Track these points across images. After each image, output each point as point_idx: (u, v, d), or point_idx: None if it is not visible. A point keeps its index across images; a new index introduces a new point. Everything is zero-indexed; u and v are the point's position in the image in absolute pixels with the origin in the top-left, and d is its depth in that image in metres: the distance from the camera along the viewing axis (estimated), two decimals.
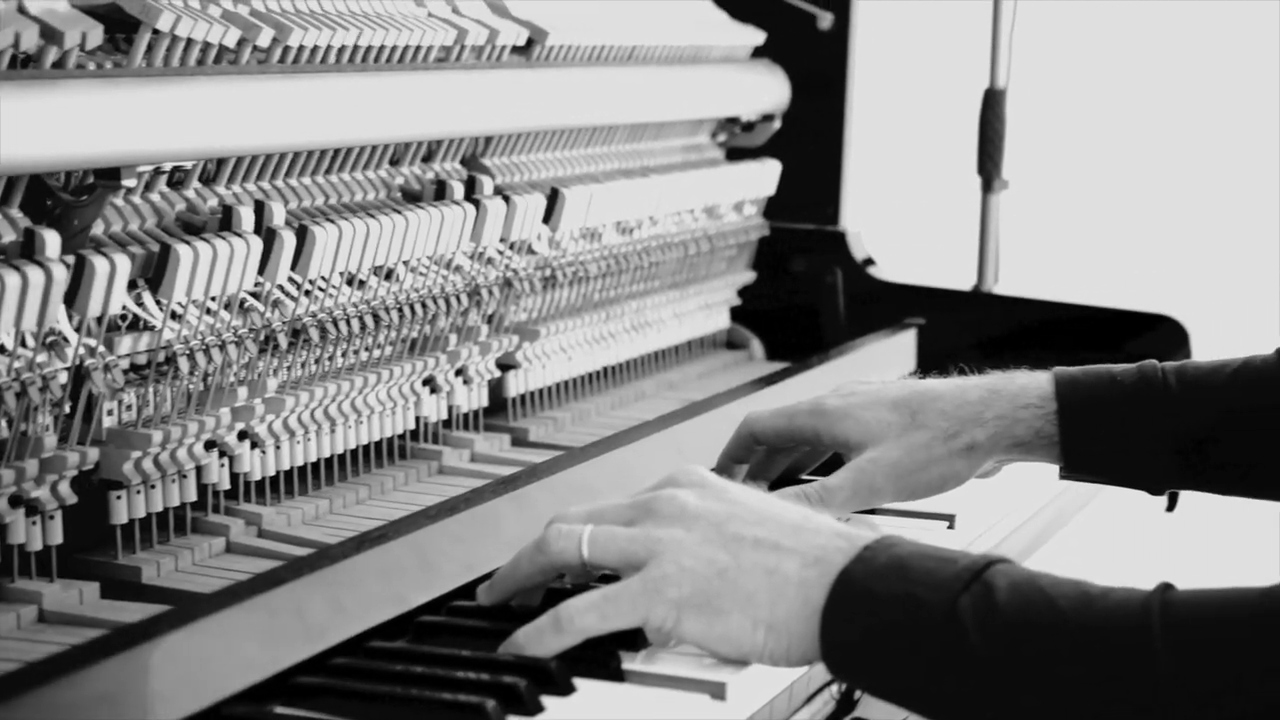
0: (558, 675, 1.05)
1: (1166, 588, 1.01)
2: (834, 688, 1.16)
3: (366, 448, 1.48)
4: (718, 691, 1.08)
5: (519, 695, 1.02)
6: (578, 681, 1.06)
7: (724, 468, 1.41)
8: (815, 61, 2.07)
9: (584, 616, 1.08)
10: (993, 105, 2.24)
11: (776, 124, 2.03)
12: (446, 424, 1.58)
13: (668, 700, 1.06)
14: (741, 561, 1.08)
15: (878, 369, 1.90)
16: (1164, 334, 2.04)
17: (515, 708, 1.02)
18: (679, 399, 1.83)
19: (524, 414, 1.69)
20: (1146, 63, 3.00)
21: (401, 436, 1.52)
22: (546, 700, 1.03)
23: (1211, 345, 2.06)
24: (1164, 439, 1.34)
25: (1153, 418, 1.34)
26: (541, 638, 1.08)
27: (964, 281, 2.17)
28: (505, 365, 1.64)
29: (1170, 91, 3.01)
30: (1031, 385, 1.36)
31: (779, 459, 1.43)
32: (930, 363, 1.98)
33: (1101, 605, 1.01)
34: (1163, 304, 2.07)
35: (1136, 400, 1.34)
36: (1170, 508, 1.98)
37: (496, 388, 1.64)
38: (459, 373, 1.56)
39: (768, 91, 2.02)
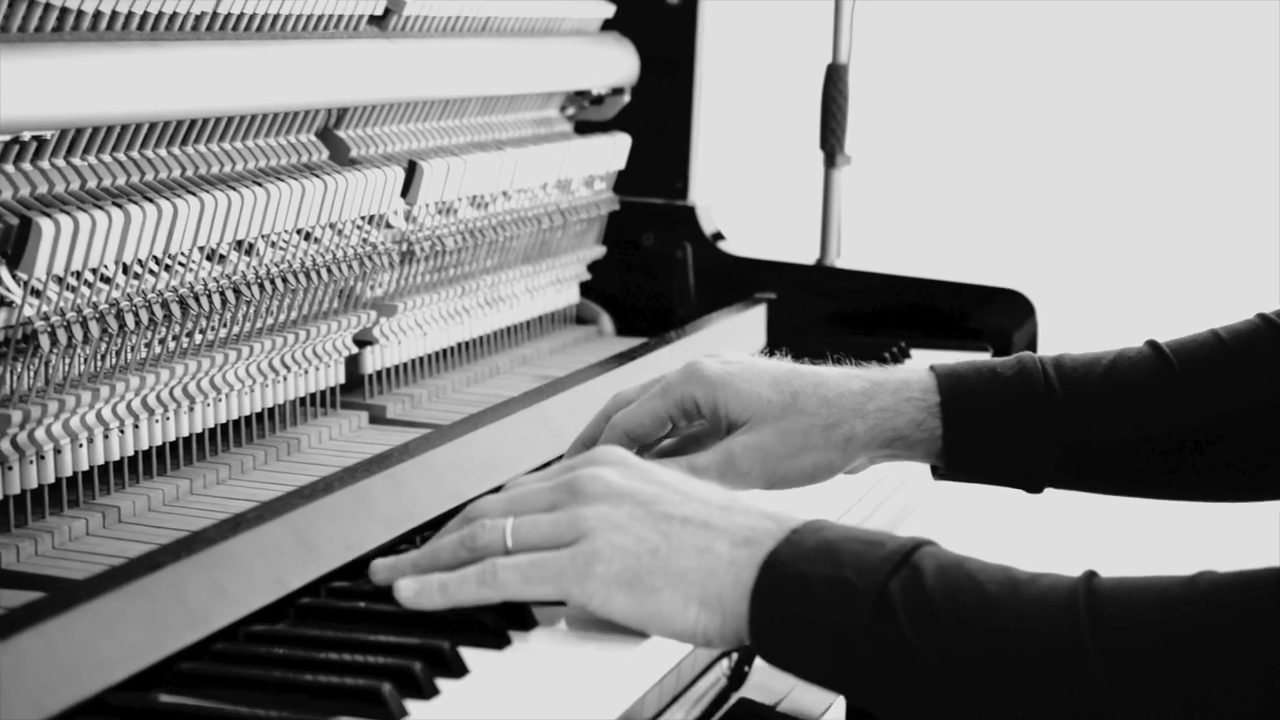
0: (450, 658, 1.03)
1: (1091, 575, 1.01)
2: (725, 663, 1.15)
3: (225, 426, 1.44)
4: (611, 670, 1.06)
5: (414, 678, 0.99)
6: (469, 661, 1.04)
7: (575, 451, 1.35)
8: (664, 36, 2.05)
9: (508, 574, 1.06)
10: (835, 80, 2.24)
11: (626, 98, 2.02)
12: (303, 402, 1.55)
13: (560, 680, 1.04)
14: (672, 540, 1.06)
15: (732, 344, 1.89)
16: (1010, 307, 2.05)
17: (411, 691, 0.99)
18: (533, 375, 1.81)
19: (381, 391, 1.66)
20: (986, 37, 3.03)
21: (260, 415, 1.48)
22: (441, 683, 1.01)
23: (1058, 317, 2.09)
24: (1046, 437, 1.32)
25: (1035, 415, 1.32)
26: (464, 586, 1.06)
27: (809, 256, 2.17)
28: (362, 341, 1.61)
29: (1008, 65, 3.03)
30: (914, 379, 1.33)
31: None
32: (780, 337, 1.99)
33: (1029, 592, 1.01)
34: (1007, 277, 2.09)
35: (1019, 397, 1.32)
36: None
37: (353, 364, 1.61)
38: (317, 350, 1.53)
39: (618, 65, 2.00)
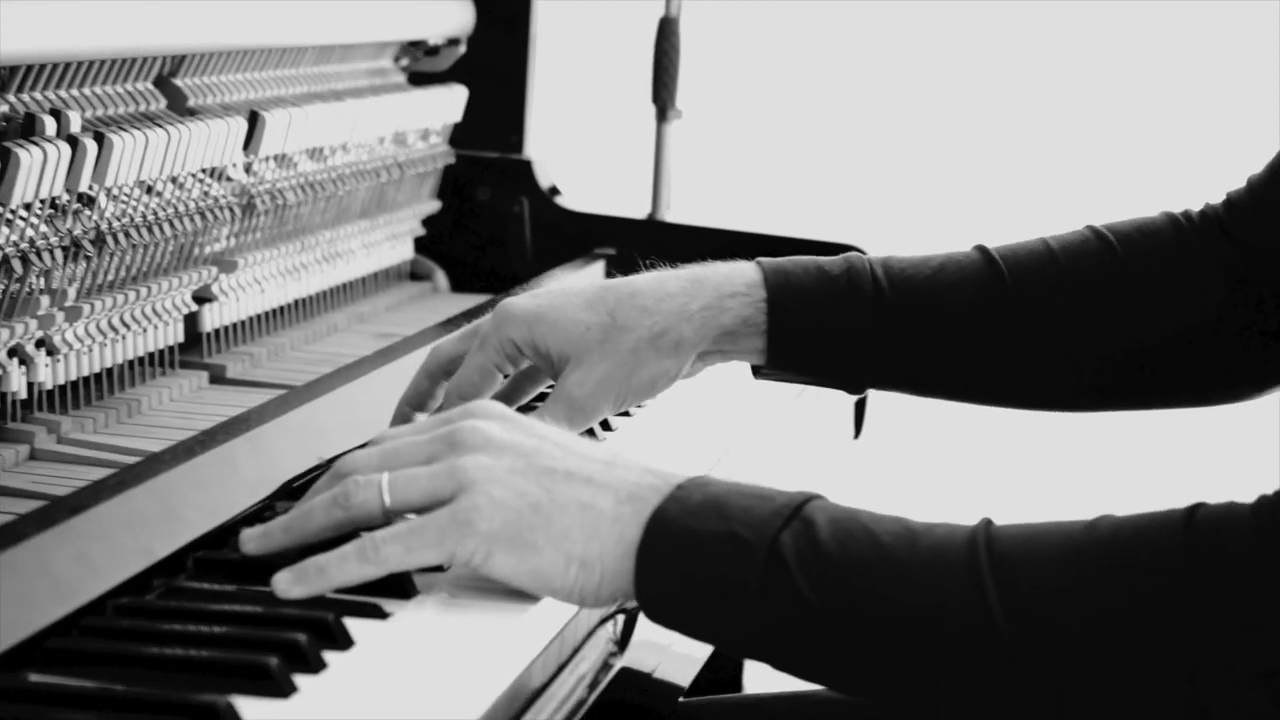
0: (336, 629, 0.99)
1: (989, 523, 1.00)
2: (610, 627, 1.12)
3: (62, 388, 1.38)
4: (497, 638, 1.03)
5: (301, 651, 0.95)
6: (354, 631, 1.00)
7: (402, 415, 1.30)
8: None
9: (389, 547, 1.02)
10: (667, 34, 2.21)
11: (462, 49, 1.97)
12: (141, 362, 1.48)
13: (448, 650, 1.01)
14: (555, 495, 1.03)
15: None
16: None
17: (299, 665, 0.95)
18: (371, 332, 1.77)
19: (219, 350, 1.60)
20: None
21: (98, 376, 1.42)
22: (328, 656, 0.97)
23: None
24: (871, 337, 1.29)
25: (861, 315, 1.29)
26: (344, 565, 1.02)
27: (641, 210, 2.14)
28: (201, 298, 1.55)
29: (839, 15, 3.02)
30: (736, 274, 1.30)
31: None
32: None
33: (926, 541, 0.99)
34: (842, 232, 2.08)
35: (845, 296, 1.29)
36: (857, 433, 2.00)
37: (190, 322, 1.55)
38: (156, 308, 1.47)
39: (454, 15, 1.95)
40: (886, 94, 3.03)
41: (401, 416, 1.30)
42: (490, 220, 2.03)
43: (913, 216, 3.00)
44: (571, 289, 1.29)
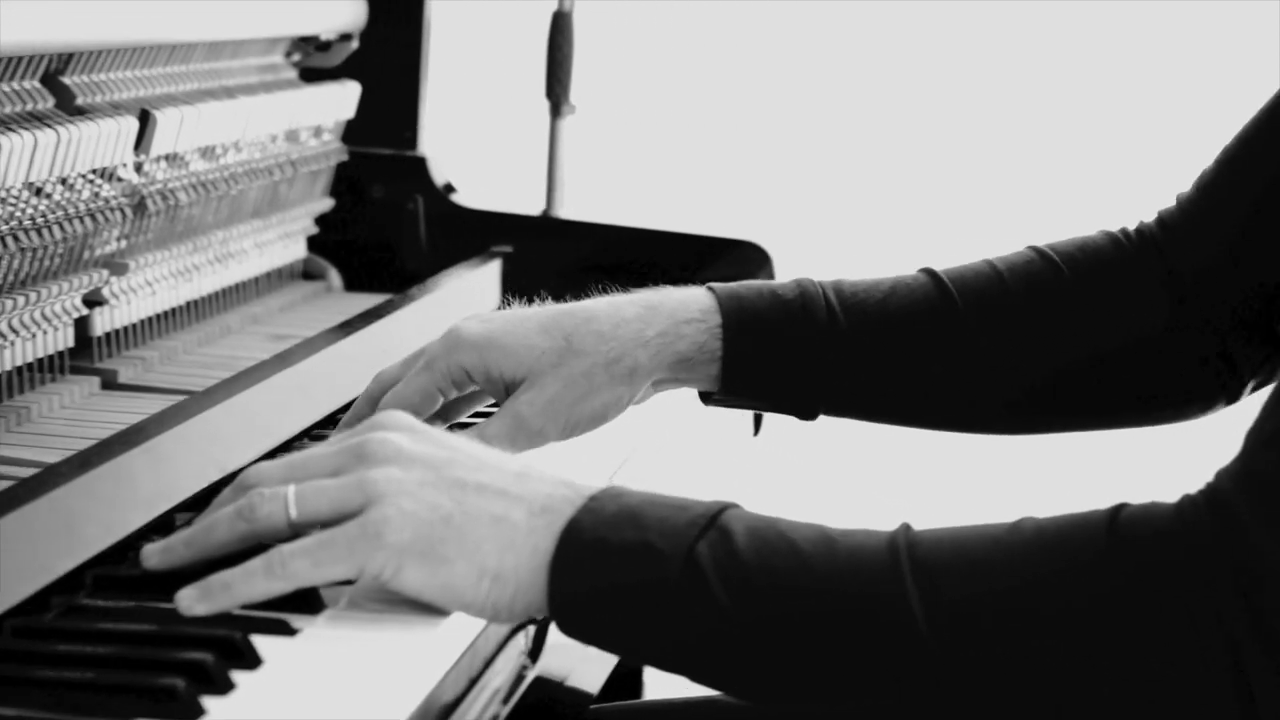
0: (244, 648, 0.96)
1: (908, 527, 0.98)
2: (522, 639, 1.10)
3: None
4: (408, 654, 1.00)
5: (207, 672, 0.92)
6: (262, 650, 0.97)
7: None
8: None
9: (297, 561, 0.99)
10: (560, 28, 2.19)
11: (354, 44, 1.94)
12: (30, 368, 1.44)
13: (359, 667, 0.98)
14: (467, 507, 1.00)
15: (472, 299, 1.83)
16: (746, 258, 2.03)
17: (205, 686, 0.92)
18: (266, 334, 1.73)
19: (109, 354, 1.56)
20: None
21: None
22: (236, 676, 0.94)
23: (792, 267, 2.07)
24: (825, 363, 1.29)
25: (815, 341, 1.29)
26: (251, 581, 0.99)
27: (536, 207, 2.12)
28: (91, 302, 1.51)
29: (733, 13, 3.01)
30: (690, 300, 1.30)
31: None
32: (516, 291, 1.93)
33: (845, 545, 0.97)
34: (735, 228, 2.07)
35: (800, 322, 1.29)
36: (756, 431, 1.99)
37: (80, 327, 1.51)
38: (45, 312, 1.43)
39: (345, 10, 1.92)
40: (781, 87, 3.02)
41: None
42: (384, 218, 2.00)
43: (807, 212, 2.99)
44: (524, 314, 1.27)
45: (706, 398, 1.34)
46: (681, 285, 1.97)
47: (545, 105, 2.17)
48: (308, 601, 1.03)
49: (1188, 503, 0.95)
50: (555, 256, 2.02)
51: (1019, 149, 2.99)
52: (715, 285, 1.30)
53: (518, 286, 1.94)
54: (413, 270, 1.97)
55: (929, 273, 1.33)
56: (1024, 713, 0.95)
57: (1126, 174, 2.92)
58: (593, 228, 2.03)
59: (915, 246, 2.96)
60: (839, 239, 2.96)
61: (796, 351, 1.28)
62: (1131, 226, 1.35)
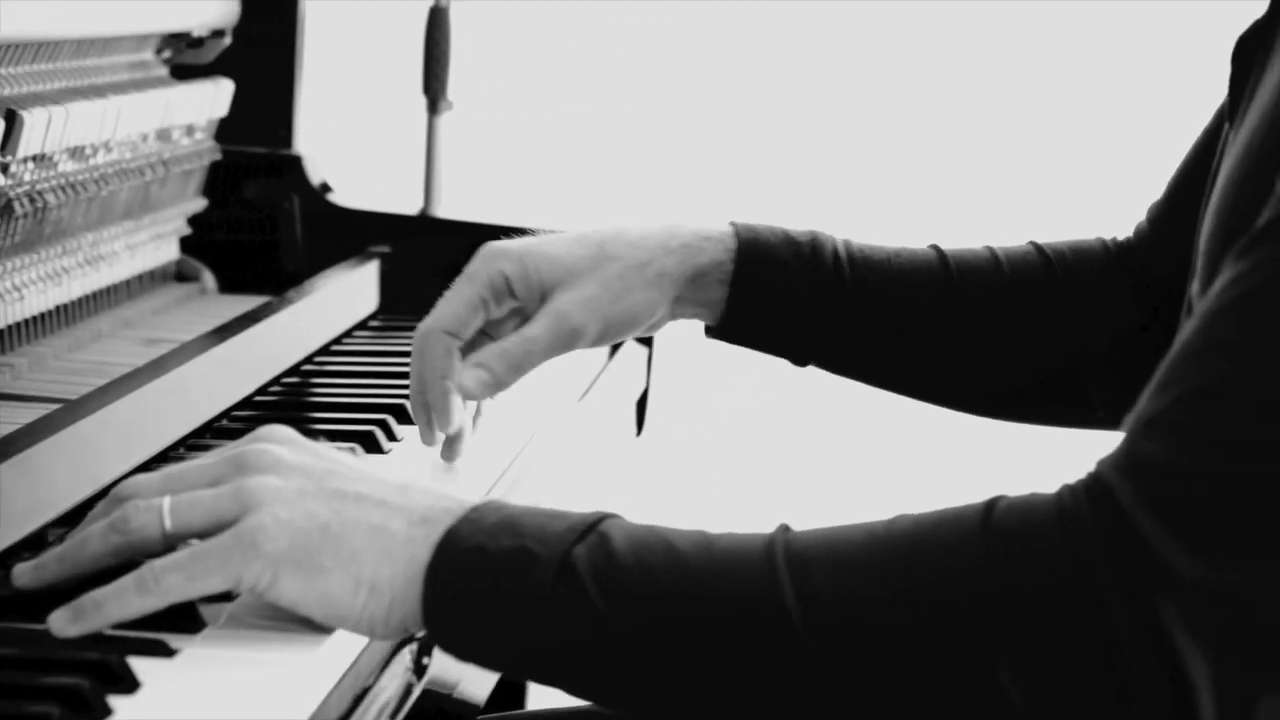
0: (120, 671, 0.92)
1: (785, 527, 0.97)
2: (407, 656, 1.07)
3: None
4: (290, 674, 0.97)
5: (84, 698, 0.89)
6: (139, 672, 0.94)
7: (438, 387, 1.29)
8: None
9: (171, 575, 0.96)
10: (437, 23, 2.17)
11: (227, 40, 1.90)
12: None
13: (240, 689, 0.95)
14: (345, 517, 0.98)
15: (349, 299, 1.80)
16: None
17: (81, 713, 0.88)
18: (139, 338, 1.69)
19: None
20: None
21: None
22: (114, 701, 0.91)
23: None
24: (823, 305, 1.34)
25: (819, 289, 1.34)
26: (123, 599, 0.96)
27: (414, 206, 2.10)
28: None
29: (614, 10, 2.98)
30: (712, 226, 1.36)
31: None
32: (395, 291, 1.91)
33: (723, 545, 0.96)
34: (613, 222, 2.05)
35: (808, 259, 1.35)
36: (639, 431, 1.97)
37: None
38: None
39: (217, 5, 1.88)
40: (659, 85, 3.00)
41: (434, 391, 1.29)
42: (259, 218, 1.96)
43: (689, 206, 2.97)
44: (554, 234, 1.34)
45: (709, 330, 1.38)
46: None
47: (423, 102, 2.14)
48: (187, 620, 1.00)
49: (1067, 492, 0.93)
50: (434, 256, 1.99)
51: (921, 142, 2.99)
52: (734, 220, 1.36)
53: (396, 287, 1.91)
54: (289, 271, 1.94)
55: (935, 248, 1.39)
56: (903, 713, 0.93)
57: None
58: (471, 227, 2.00)
59: None
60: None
61: (798, 291, 1.34)
62: (1123, 236, 1.42)
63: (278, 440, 1.03)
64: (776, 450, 2.84)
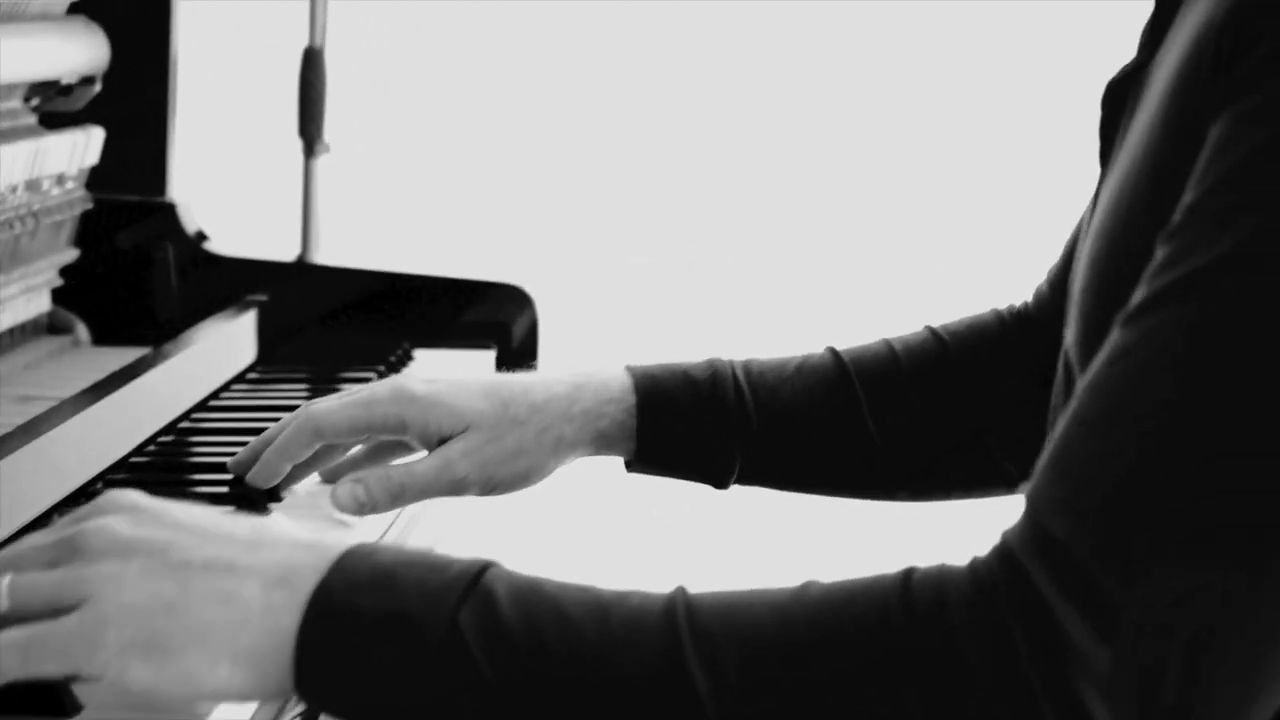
0: None
1: (684, 591, 0.94)
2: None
3: None
4: None
5: None
6: None
7: (273, 466, 1.34)
8: (135, 20, 1.90)
9: (7, 657, 0.92)
10: (312, 64, 2.14)
11: (97, 87, 1.86)
12: None
13: None
14: (192, 590, 0.94)
15: (226, 351, 1.77)
16: (508, 300, 2.00)
17: None
18: (11, 395, 1.64)
19: None
20: (470, 17, 2.94)
21: None
22: None
23: (554, 309, 2.04)
24: (733, 440, 1.37)
25: (724, 420, 1.37)
26: None
27: (292, 251, 2.07)
28: None
29: (493, 50, 2.96)
30: (613, 381, 1.38)
31: (337, 453, 1.38)
32: (273, 341, 1.87)
33: (619, 613, 0.93)
34: (496, 270, 2.04)
35: (708, 401, 1.38)
36: None
37: None
38: None
39: (86, 51, 1.84)
40: (542, 126, 2.98)
41: (271, 470, 1.34)
42: (134, 269, 1.93)
43: (571, 252, 2.95)
44: (466, 379, 1.36)
45: (629, 465, 1.41)
46: (442, 332, 1.98)
47: (299, 145, 2.12)
48: (58, 702, 0.96)
49: (982, 566, 0.92)
50: (312, 303, 1.97)
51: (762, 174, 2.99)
52: (633, 367, 1.38)
53: (275, 336, 1.88)
54: (165, 321, 1.90)
55: (832, 352, 1.41)
56: None
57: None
58: (350, 273, 1.98)
59: (682, 291, 2.95)
60: (603, 276, 2.94)
61: (706, 433, 1.37)
62: (1020, 303, 1.43)
63: (119, 509, 0.99)
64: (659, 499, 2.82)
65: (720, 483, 1.40)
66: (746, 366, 1.40)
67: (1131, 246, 0.97)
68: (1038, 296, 1.42)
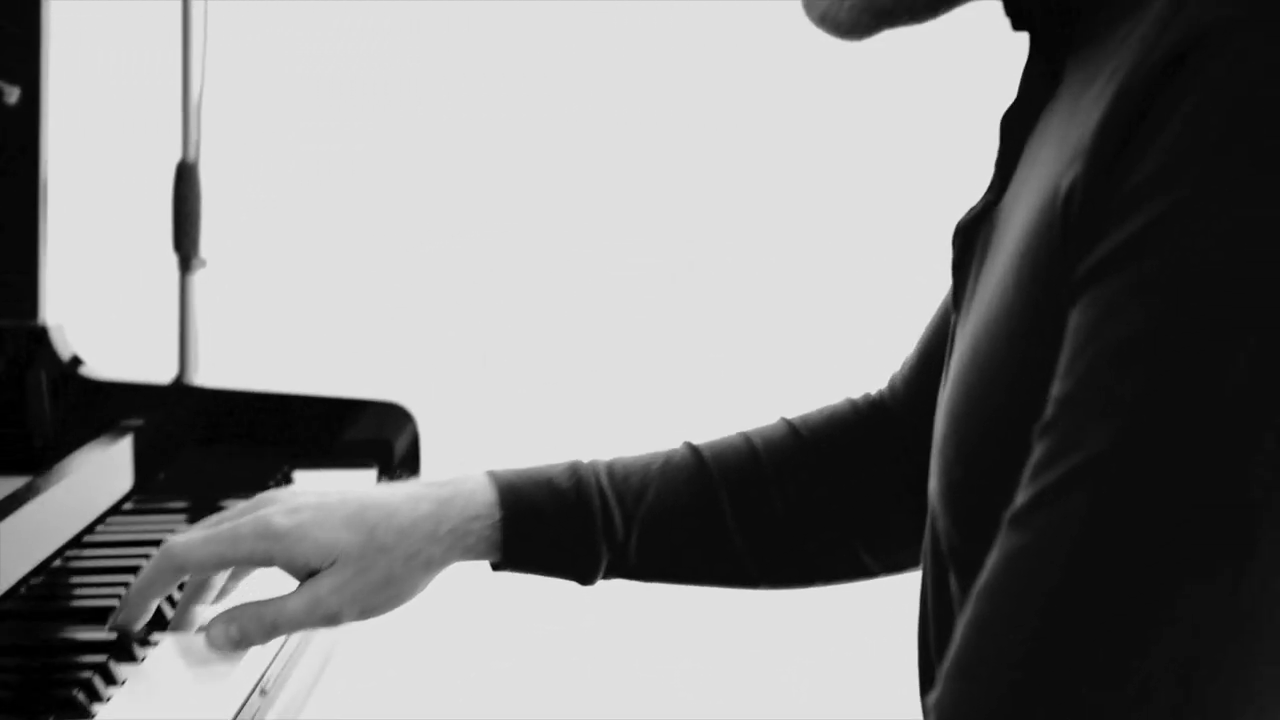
0: None
1: None
2: None
3: None
4: None
5: None
6: None
7: (139, 606, 1.31)
8: (4, 139, 1.87)
9: None
10: (186, 179, 2.12)
11: None
12: None
13: None
14: None
15: (103, 480, 1.73)
16: (387, 417, 1.98)
17: None
18: None
19: None
20: (339, 129, 2.91)
21: None
22: None
23: (435, 423, 2.02)
24: (597, 541, 1.37)
25: (588, 524, 1.37)
26: None
27: (169, 372, 2.04)
28: None
29: (369, 163, 2.93)
30: (478, 494, 1.37)
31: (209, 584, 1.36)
32: (151, 466, 1.84)
33: None
34: (375, 388, 2.02)
35: (573, 507, 1.37)
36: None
37: None
38: None
39: None
40: (416, 238, 2.95)
41: (137, 607, 1.31)
42: (6, 395, 1.88)
43: (452, 366, 2.93)
44: (331, 505, 1.33)
45: (494, 566, 1.40)
46: (322, 452, 1.95)
47: (174, 260, 2.09)
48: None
49: (935, 705, 0.91)
50: (190, 427, 1.93)
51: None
52: (498, 475, 1.37)
53: (152, 462, 1.85)
54: (39, 449, 1.86)
55: (693, 450, 1.41)
56: None
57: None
58: (227, 395, 1.95)
59: (554, 413, 2.92)
60: (484, 393, 2.92)
61: (571, 539, 1.37)
62: (875, 391, 1.43)
63: None
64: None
65: (586, 581, 1.39)
66: (610, 469, 1.40)
67: (990, 411, 0.97)
68: (892, 389, 1.42)
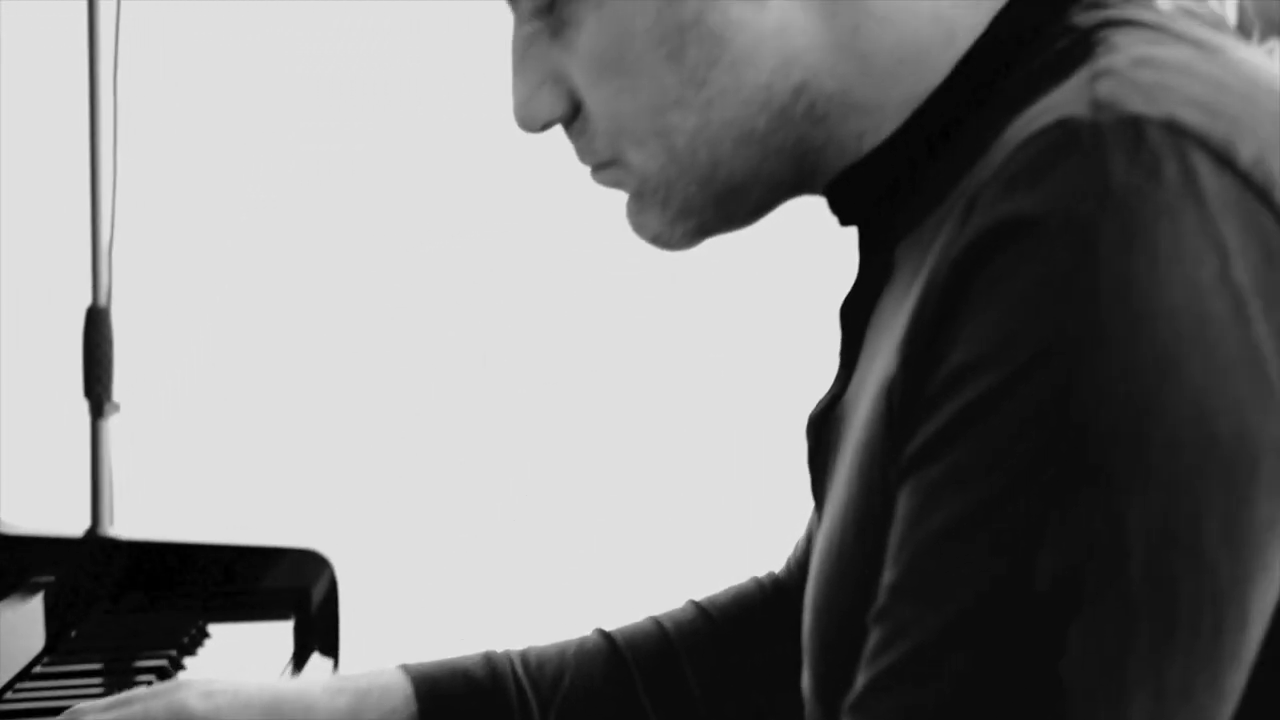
0: None
1: None
2: None
3: None
4: None
5: None
6: None
7: None
8: None
9: None
10: (96, 324, 2.10)
11: None
12: None
13: None
14: None
15: (11, 643, 1.69)
16: (304, 565, 1.96)
17: None
18: None
19: None
20: (246, 269, 2.90)
21: None
22: None
23: (354, 573, 2.00)
24: None
25: (504, 710, 1.37)
26: None
27: (81, 524, 2.00)
28: None
29: (287, 304, 2.92)
30: (394, 686, 1.36)
31: None
32: (63, 624, 1.80)
33: None
34: (302, 537, 2.00)
35: (490, 696, 1.37)
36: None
37: None
38: None
39: None
40: (329, 382, 2.93)
41: None
42: None
43: (372, 512, 2.90)
44: (248, 697, 1.32)
45: None
46: (238, 603, 1.93)
47: (85, 406, 2.06)
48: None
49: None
50: (104, 580, 1.90)
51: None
52: (415, 672, 1.37)
53: (65, 620, 1.81)
54: None
55: (604, 636, 1.42)
56: None
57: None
58: (141, 546, 1.92)
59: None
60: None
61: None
62: (780, 569, 1.44)
63: None
64: None
65: None
66: (524, 657, 1.41)
67: (846, 605, 0.98)
68: (788, 570, 1.44)
